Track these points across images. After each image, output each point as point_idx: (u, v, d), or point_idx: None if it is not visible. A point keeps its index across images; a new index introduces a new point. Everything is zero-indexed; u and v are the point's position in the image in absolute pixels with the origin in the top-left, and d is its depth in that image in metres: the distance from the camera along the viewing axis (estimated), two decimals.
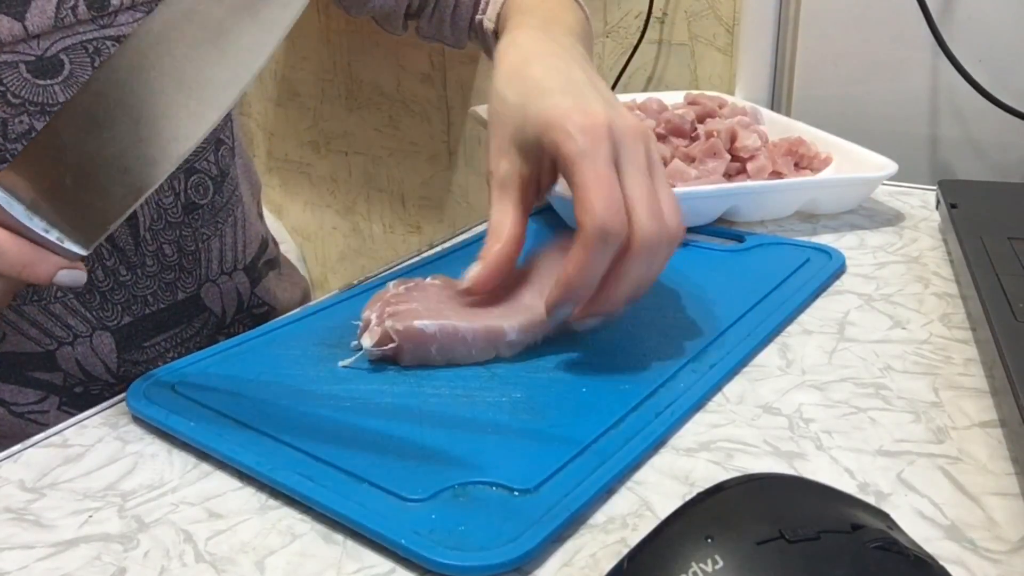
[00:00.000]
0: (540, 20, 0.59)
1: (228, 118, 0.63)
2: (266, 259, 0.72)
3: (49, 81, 0.52)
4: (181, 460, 0.40)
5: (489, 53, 0.68)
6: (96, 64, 0.53)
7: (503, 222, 0.46)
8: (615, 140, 0.42)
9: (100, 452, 0.41)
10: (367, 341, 0.45)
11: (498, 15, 0.67)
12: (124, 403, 0.44)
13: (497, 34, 0.66)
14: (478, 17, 0.70)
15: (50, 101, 0.52)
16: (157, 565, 0.34)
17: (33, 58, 0.51)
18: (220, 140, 0.63)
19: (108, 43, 0.54)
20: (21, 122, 0.51)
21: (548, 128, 0.43)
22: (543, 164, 0.47)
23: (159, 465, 0.40)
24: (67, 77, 0.52)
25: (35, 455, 0.41)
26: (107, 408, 0.45)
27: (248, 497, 0.38)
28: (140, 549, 0.35)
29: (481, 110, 0.83)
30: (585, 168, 0.41)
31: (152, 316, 0.60)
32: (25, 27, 0.50)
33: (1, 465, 0.41)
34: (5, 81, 0.50)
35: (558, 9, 0.61)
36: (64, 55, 0.52)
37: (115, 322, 0.57)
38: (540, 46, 0.52)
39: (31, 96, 0.51)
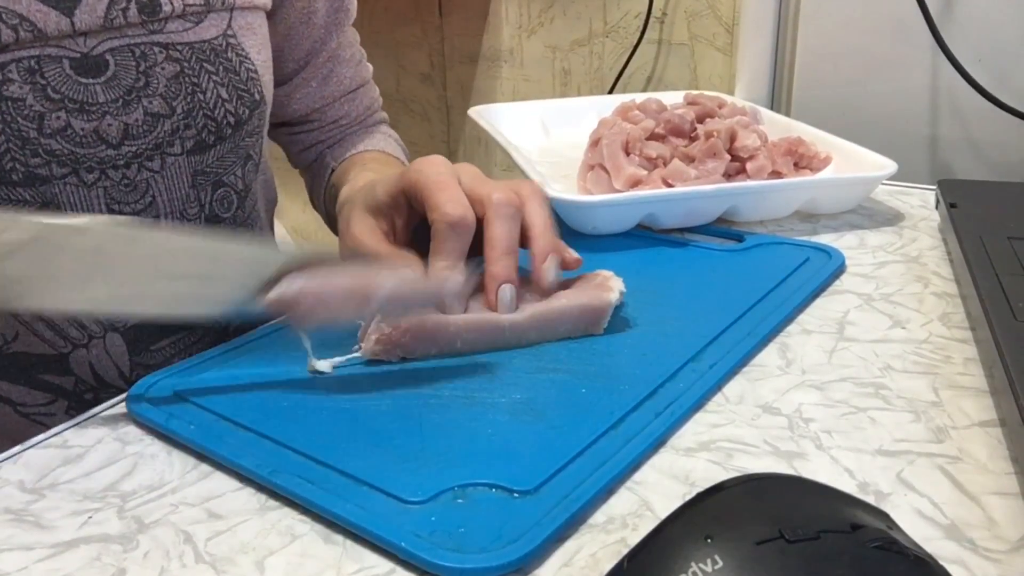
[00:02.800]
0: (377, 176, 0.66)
1: (260, 136, 0.63)
2: None
3: (92, 80, 0.52)
4: (181, 461, 0.40)
5: (316, 185, 0.76)
6: (141, 68, 0.53)
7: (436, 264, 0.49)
8: (454, 167, 0.50)
9: (100, 453, 0.41)
10: (372, 338, 0.45)
11: (344, 160, 0.73)
12: (124, 404, 0.44)
13: (334, 172, 0.73)
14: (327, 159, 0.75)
15: (90, 100, 0.52)
16: (157, 566, 0.34)
17: (78, 55, 0.51)
18: (249, 156, 0.63)
19: (156, 49, 0.54)
20: (58, 118, 0.51)
21: (400, 179, 0.50)
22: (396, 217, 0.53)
23: (159, 466, 0.40)
24: (110, 78, 0.52)
25: (35, 456, 0.41)
26: (107, 409, 0.45)
27: (248, 498, 0.38)
28: (140, 550, 0.35)
29: (481, 110, 0.83)
30: (430, 182, 0.48)
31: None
32: (72, 23, 0.50)
33: (1, 466, 0.41)
34: (47, 75, 0.50)
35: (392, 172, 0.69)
36: (110, 55, 0.52)
37: (122, 323, 0.57)
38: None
39: (71, 93, 0.51)
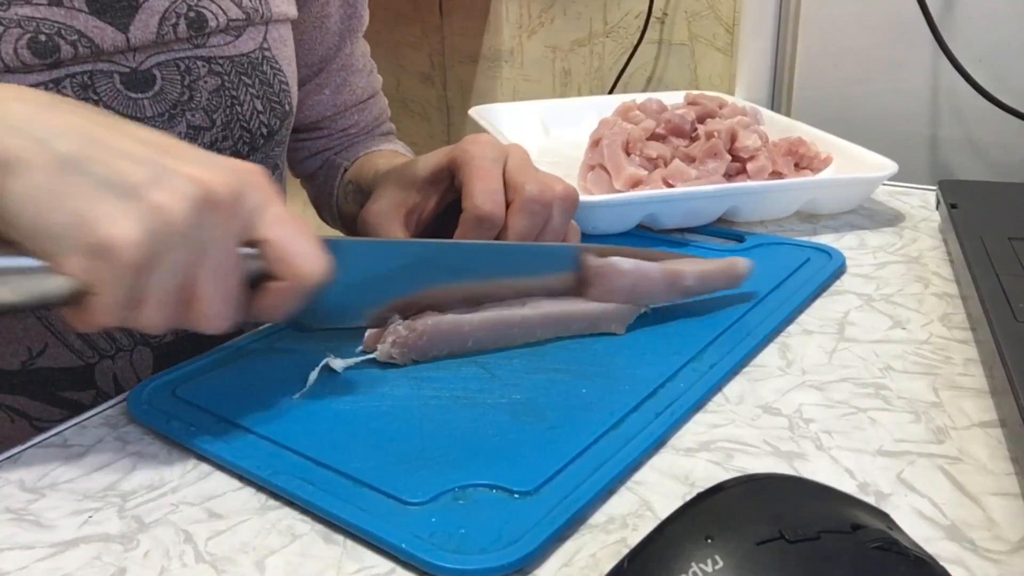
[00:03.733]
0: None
1: (284, 145, 0.63)
2: None
3: (140, 95, 0.52)
4: (181, 460, 0.40)
5: (324, 189, 0.75)
6: (185, 83, 0.54)
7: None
8: (502, 149, 0.51)
9: (100, 452, 0.41)
10: (389, 340, 0.45)
11: (357, 159, 0.73)
12: (124, 403, 0.44)
13: (347, 170, 0.73)
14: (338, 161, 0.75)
15: (138, 115, 0.52)
16: (157, 565, 0.34)
17: (128, 70, 0.52)
18: (276, 165, 0.63)
19: (199, 63, 0.55)
20: None
21: (448, 153, 0.51)
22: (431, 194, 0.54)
23: (159, 465, 0.40)
24: (157, 92, 0.53)
25: (35, 455, 0.41)
26: (107, 409, 0.45)
27: (248, 497, 0.38)
28: (140, 549, 0.35)
29: (481, 110, 0.83)
30: (475, 165, 0.49)
31: (193, 336, 0.59)
32: (128, 39, 0.51)
33: (1, 465, 0.41)
34: (99, 90, 0.51)
35: None
36: (157, 70, 0.53)
37: (157, 338, 0.57)
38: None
39: (121, 108, 0.52)
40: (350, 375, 0.45)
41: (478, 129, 0.80)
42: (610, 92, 1.22)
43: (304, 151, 0.75)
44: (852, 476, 0.37)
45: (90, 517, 0.37)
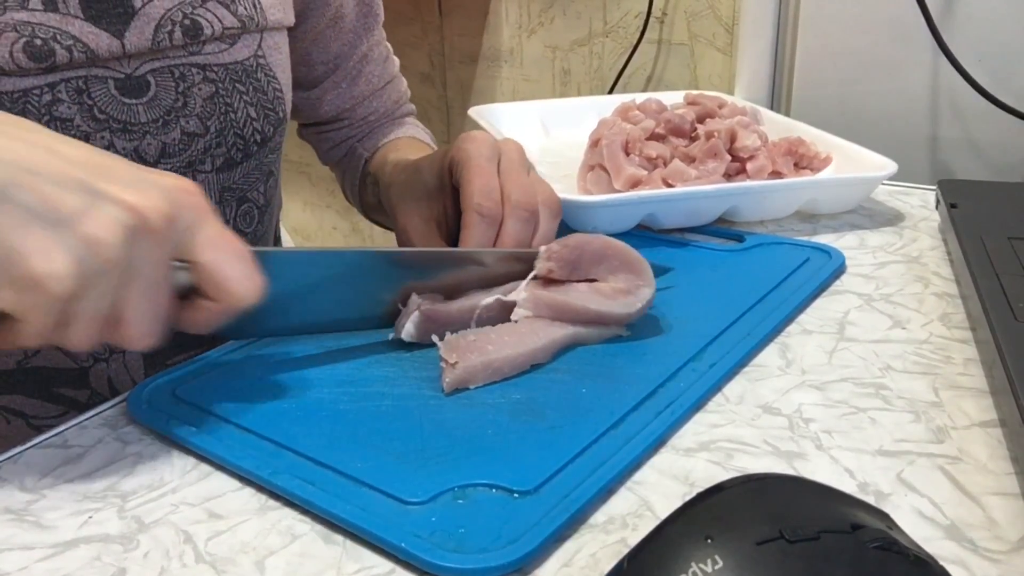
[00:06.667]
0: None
1: (279, 152, 0.64)
2: None
3: (134, 100, 0.52)
4: (181, 461, 0.40)
5: (348, 178, 0.77)
6: (180, 89, 0.54)
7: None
8: (496, 146, 0.52)
9: (100, 453, 0.41)
10: (448, 379, 0.44)
11: (377, 149, 0.75)
12: (124, 404, 0.44)
13: (367, 161, 0.74)
14: (358, 149, 0.76)
15: (132, 120, 0.53)
16: (157, 566, 0.34)
17: (123, 76, 0.52)
18: (271, 172, 0.63)
19: (194, 70, 0.55)
20: (103, 138, 0.52)
21: (444, 157, 0.52)
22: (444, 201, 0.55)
23: (159, 466, 0.40)
24: (152, 98, 0.53)
25: (35, 456, 0.41)
26: (107, 409, 0.45)
27: (248, 498, 0.38)
28: (140, 550, 0.35)
29: (481, 110, 0.83)
30: (471, 164, 0.50)
31: (178, 334, 0.60)
32: (123, 45, 0.51)
33: (1, 466, 0.41)
34: (94, 95, 0.51)
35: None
36: (151, 76, 0.53)
37: None
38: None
39: (116, 113, 0.52)
40: (350, 374, 0.45)
41: (478, 129, 0.81)
42: (610, 92, 1.22)
43: (328, 142, 0.77)
44: (852, 476, 0.37)
45: (90, 517, 0.37)
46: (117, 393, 0.57)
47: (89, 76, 0.51)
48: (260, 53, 0.59)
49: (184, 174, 0.55)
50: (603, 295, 0.47)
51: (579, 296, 0.47)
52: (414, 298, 0.47)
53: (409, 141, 0.74)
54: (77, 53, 0.50)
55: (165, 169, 0.54)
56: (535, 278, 0.48)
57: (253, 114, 0.58)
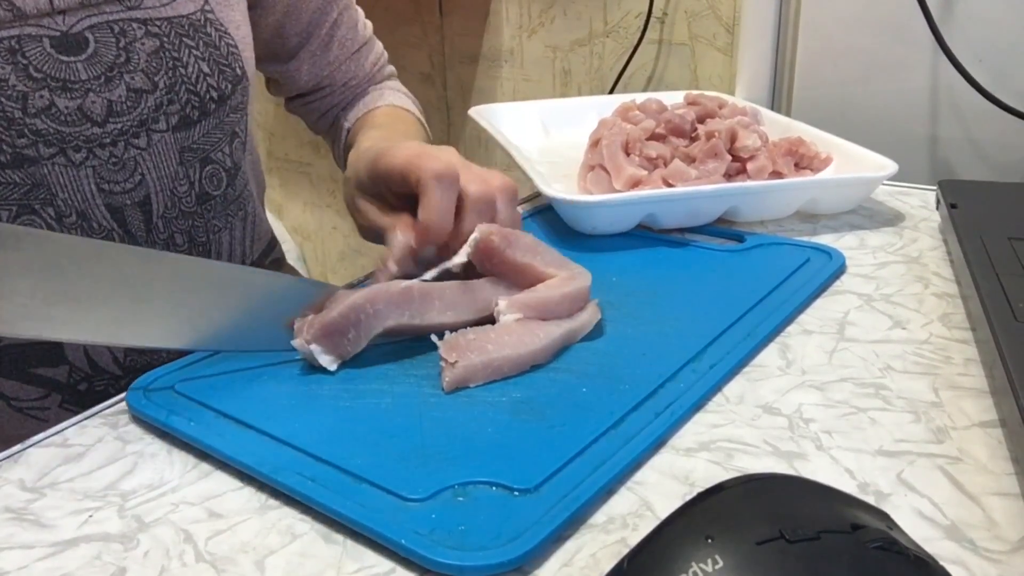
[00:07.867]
0: (385, 132, 0.69)
1: (244, 112, 0.64)
2: (273, 258, 0.73)
3: (72, 58, 0.52)
4: (181, 460, 0.40)
5: (336, 149, 0.78)
6: (121, 45, 0.54)
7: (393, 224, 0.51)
8: (455, 160, 0.51)
9: (100, 452, 0.41)
10: (448, 378, 0.44)
11: (357, 120, 0.75)
12: (124, 403, 0.44)
13: (350, 132, 0.75)
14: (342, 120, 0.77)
15: (72, 78, 0.52)
16: (157, 565, 0.34)
17: (58, 33, 0.52)
18: (235, 133, 0.63)
19: (134, 25, 0.55)
20: (42, 97, 0.51)
21: (405, 166, 0.51)
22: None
23: (159, 465, 0.40)
24: (91, 55, 0.53)
25: (35, 455, 0.41)
26: (107, 408, 0.45)
27: (248, 497, 0.38)
28: (140, 549, 0.35)
29: (481, 110, 0.83)
30: (426, 166, 0.49)
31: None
32: (51, 1, 0.51)
33: (1, 465, 0.41)
34: (28, 54, 0.51)
35: (402, 126, 0.72)
36: (89, 33, 0.53)
37: None
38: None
39: (53, 71, 0.52)
40: (350, 372, 0.45)
41: (478, 129, 0.81)
42: (610, 92, 1.22)
43: (315, 112, 0.78)
44: (852, 476, 0.37)
45: (90, 517, 0.37)
46: (95, 365, 0.57)
47: (22, 35, 0.51)
48: (208, 8, 0.59)
49: (138, 133, 0.55)
50: (561, 280, 0.49)
51: (547, 288, 0.48)
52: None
53: (387, 110, 0.75)
54: (3, 11, 0.50)
55: (116, 128, 0.54)
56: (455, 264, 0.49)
57: (206, 69, 0.58)
